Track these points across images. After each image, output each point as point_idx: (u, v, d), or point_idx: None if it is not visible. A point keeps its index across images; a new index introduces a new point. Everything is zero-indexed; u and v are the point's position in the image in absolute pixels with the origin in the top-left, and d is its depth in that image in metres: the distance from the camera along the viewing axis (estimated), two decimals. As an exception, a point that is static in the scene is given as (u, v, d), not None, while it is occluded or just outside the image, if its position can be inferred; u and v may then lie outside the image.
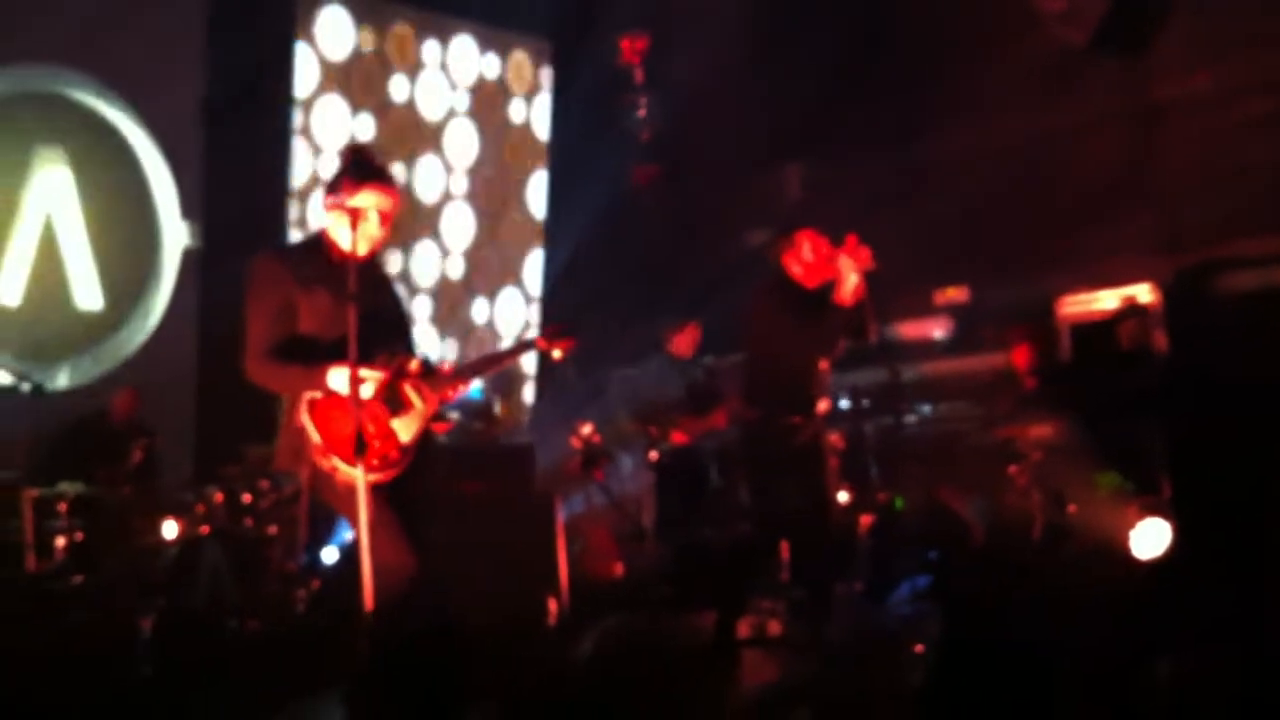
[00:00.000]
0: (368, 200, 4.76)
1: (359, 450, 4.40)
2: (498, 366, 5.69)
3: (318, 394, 4.57)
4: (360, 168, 4.84)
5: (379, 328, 4.81)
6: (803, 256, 6.35)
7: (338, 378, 4.58)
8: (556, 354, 5.18)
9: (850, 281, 6.09)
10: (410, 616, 4.69)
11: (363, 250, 4.80)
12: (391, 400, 4.74)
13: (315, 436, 4.52)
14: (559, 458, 8.66)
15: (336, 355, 4.53)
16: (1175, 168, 9.66)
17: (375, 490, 4.58)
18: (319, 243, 4.82)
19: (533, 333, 11.71)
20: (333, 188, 4.81)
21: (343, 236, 4.75)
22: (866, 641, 5.96)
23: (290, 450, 4.72)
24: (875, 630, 6.37)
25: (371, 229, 4.80)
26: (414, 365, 4.84)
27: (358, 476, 4.38)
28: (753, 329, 6.48)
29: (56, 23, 8.54)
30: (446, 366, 5.02)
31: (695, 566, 7.45)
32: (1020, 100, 10.34)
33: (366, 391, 4.64)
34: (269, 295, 4.70)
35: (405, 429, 4.74)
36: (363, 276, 4.79)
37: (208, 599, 7.22)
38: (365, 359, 4.63)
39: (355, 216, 4.68)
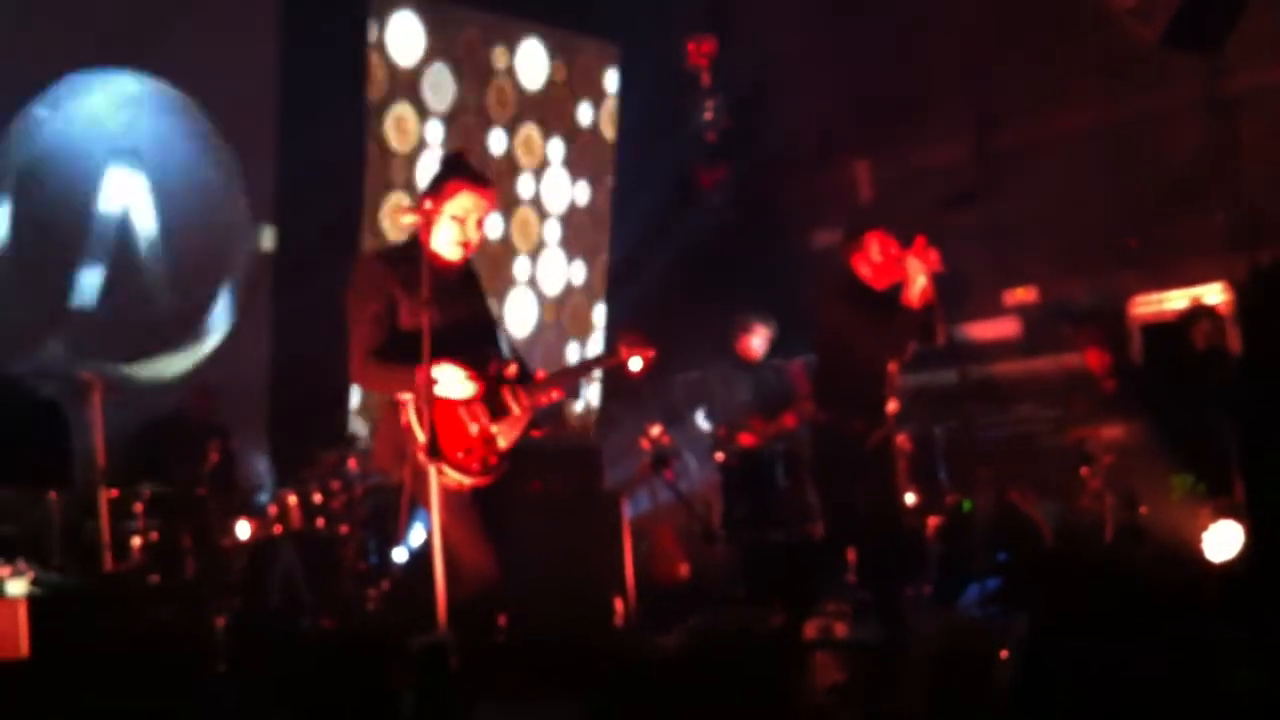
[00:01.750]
0: (465, 203, 4.81)
1: (433, 451, 4.45)
2: (585, 375, 5.74)
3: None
4: (459, 169, 4.89)
5: (472, 332, 4.87)
6: (871, 258, 6.34)
7: (443, 377, 4.64)
8: (635, 365, 5.21)
9: (919, 283, 6.07)
10: (487, 624, 4.76)
11: (456, 254, 4.87)
12: (493, 405, 4.80)
13: (421, 437, 4.57)
14: (628, 461, 8.69)
15: (437, 357, 4.58)
16: (1253, 162, 9.52)
17: (472, 495, 4.65)
18: (416, 245, 4.84)
19: (598, 335, 11.77)
20: (431, 189, 4.85)
21: (440, 240, 4.82)
22: (939, 645, 5.93)
23: (392, 451, 4.79)
24: (948, 634, 6.34)
25: (467, 233, 4.85)
26: (512, 370, 4.89)
27: (431, 476, 4.44)
28: (823, 331, 6.48)
29: (132, 25, 8.67)
30: (539, 374, 5.08)
31: (763, 568, 7.46)
32: (1093, 94, 10.26)
33: (464, 392, 4.70)
34: (372, 298, 4.77)
35: (504, 434, 4.79)
36: (455, 281, 4.86)
37: (281, 598, 7.32)
38: (464, 363, 4.70)
39: (429, 218, 4.74)
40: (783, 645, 6.09)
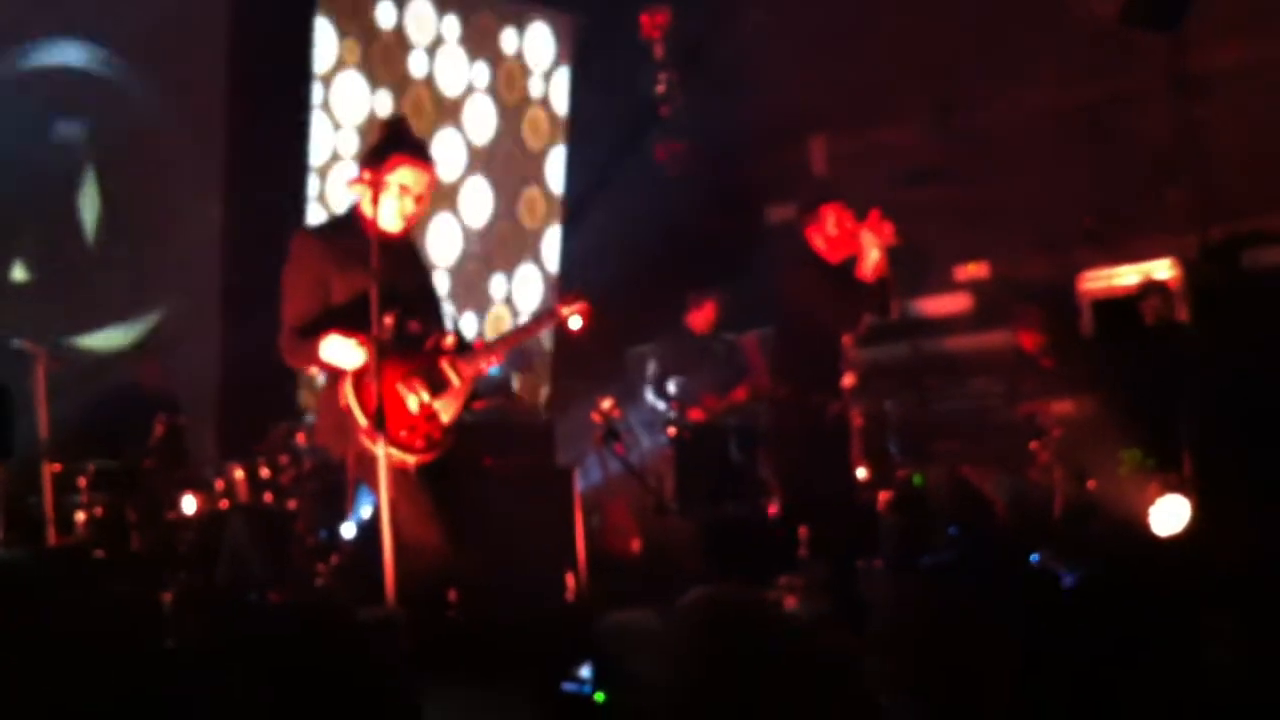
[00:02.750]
0: (406, 177, 4.73)
1: (379, 425, 4.38)
2: (524, 338, 5.69)
3: (358, 371, 4.54)
4: (399, 142, 4.81)
5: (410, 306, 4.80)
6: (827, 230, 6.35)
7: (329, 348, 4.57)
8: (575, 322, 5.16)
9: (872, 257, 6.08)
10: (438, 601, 4.71)
11: (397, 227, 4.80)
12: (432, 380, 4.73)
13: (361, 419, 4.50)
14: (581, 435, 8.66)
15: (391, 341, 4.51)
16: (1212, 141, 9.58)
17: (416, 473, 4.58)
18: (354, 218, 4.76)
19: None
20: (370, 161, 4.77)
21: (380, 211, 4.74)
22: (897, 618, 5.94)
23: (334, 428, 4.71)
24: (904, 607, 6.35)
25: (408, 205, 4.79)
26: (449, 341, 4.83)
27: (379, 454, 4.36)
28: (783, 305, 6.49)
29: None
30: (478, 343, 5.03)
31: (717, 542, 7.45)
32: (1052, 73, 10.28)
33: (354, 360, 4.60)
34: (304, 274, 4.71)
35: (446, 409, 4.73)
36: (395, 254, 4.79)
37: (229, 573, 7.25)
38: (404, 335, 4.63)
39: (377, 189, 4.66)
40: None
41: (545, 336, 11.16)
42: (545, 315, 5.45)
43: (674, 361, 8.73)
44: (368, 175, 4.68)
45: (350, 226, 4.76)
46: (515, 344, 5.64)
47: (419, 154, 4.84)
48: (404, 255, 4.95)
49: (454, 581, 4.92)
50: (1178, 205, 9.59)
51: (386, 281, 4.63)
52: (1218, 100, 9.60)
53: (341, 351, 4.58)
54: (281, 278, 4.80)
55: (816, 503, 6.44)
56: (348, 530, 7.85)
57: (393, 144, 4.82)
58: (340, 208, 9.38)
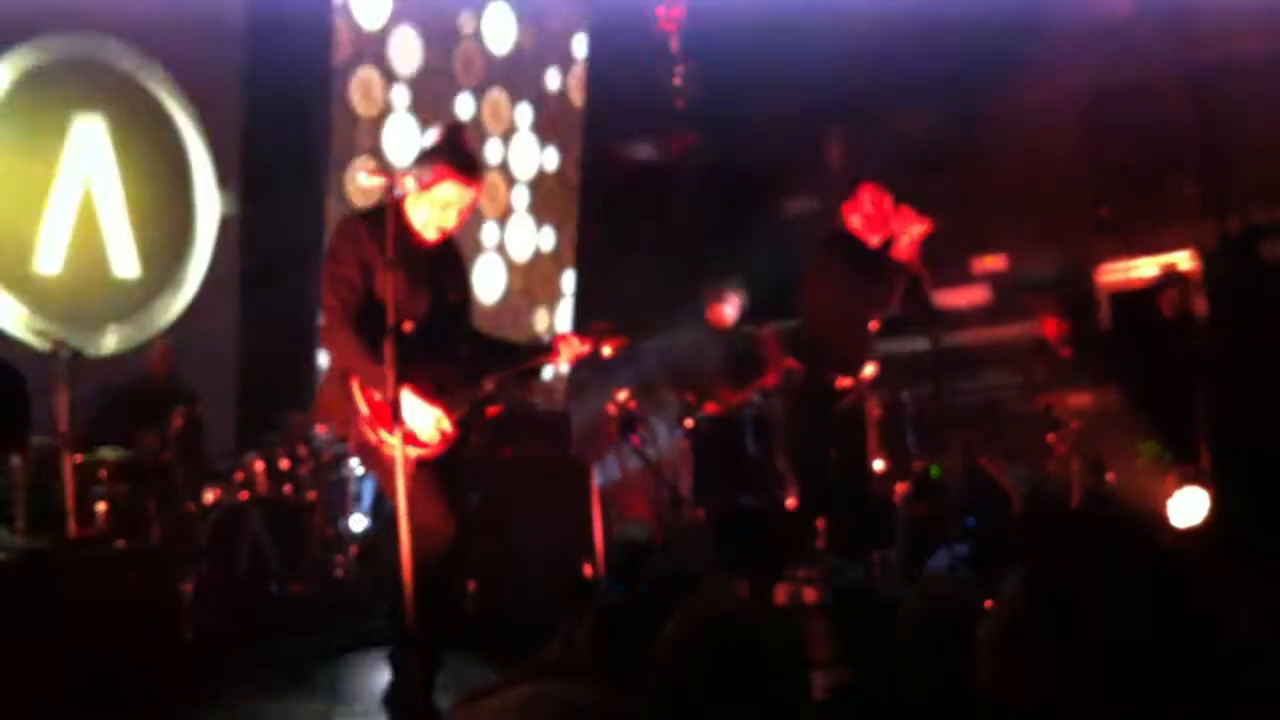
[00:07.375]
0: (449, 191, 4.63)
1: (397, 418, 4.33)
2: (524, 371, 5.49)
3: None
4: (450, 155, 4.68)
5: (438, 314, 4.73)
6: (864, 208, 6.34)
7: (411, 410, 4.48)
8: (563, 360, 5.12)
9: (916, 230, 6.06)
10: (450, 579, 4.69)
11: (430, 237, 4.73)
12: (442, 386, 4.70)
13: (364, 409, 4.49)
14: (595, 424, 8.67)
15: (411, 346, 4.42)
16: (1225, 132, 9.54)
17: (419, 463, 4.54)
18: (398, 216, 4.65)
19: (567, 302, 11.73)
20: (419, 166, 4.65)
21: (417, 217, 4.69)
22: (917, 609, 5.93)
23: (337, 402, 4.66)
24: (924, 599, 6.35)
25: (448, 219, 4.70)
26: (465, 352, 4.82)
27: (395, 444, 4.31)
28: (808, 283, 6.48)
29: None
30: (487, 384, 4.94)
31: (733, 534, 7.45)
32: (1069, 63, 10.25)
33: (429, 433, 4.59)
34: (351, 259, 4.59)
35: (449, 412, 4.67)
36: (435, 257, 4.75)
37: (249, 564, 7.28)
38: (427, 342, 4.58)
39: (393, 187, 4.59)
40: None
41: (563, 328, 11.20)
42: (541, 351, 5.24)
43: (691, 354, 8.73)
44: (412, 180, 4.60)
45: (395, 223, 4.62)
46: (516, 380, 5.54)
47: (468, 170, 4.70)
48: (439, 259, 4.85)
49: (466, 564, 4.86)
50: (1192, 196, 9.56)
51: (418, 286, 4.62)
52: (1227, 93, 9.55)
53: (419, 416, 4.55)
54: (327, 263, 4.69)
55: (829, 489, 6.45)
56: (356, 523, 7.93)
57: (442, 154, 4.67)
58: (357, 202, 9.45)
